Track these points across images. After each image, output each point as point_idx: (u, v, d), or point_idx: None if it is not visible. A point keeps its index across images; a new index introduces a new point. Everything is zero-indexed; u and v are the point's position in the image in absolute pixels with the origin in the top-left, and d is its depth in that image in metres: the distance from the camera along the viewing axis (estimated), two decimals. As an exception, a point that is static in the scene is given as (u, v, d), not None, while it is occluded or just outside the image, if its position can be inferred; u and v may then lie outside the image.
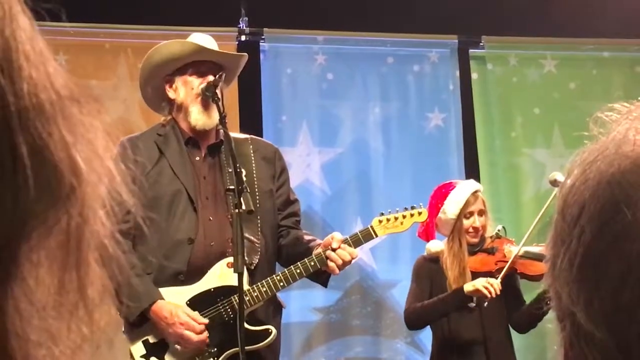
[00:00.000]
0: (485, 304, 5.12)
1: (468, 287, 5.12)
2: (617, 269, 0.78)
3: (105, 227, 0.67)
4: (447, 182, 5.62)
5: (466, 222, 5.35)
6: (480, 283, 5.09)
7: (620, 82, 7.79)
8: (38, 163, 0.61)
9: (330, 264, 4.34)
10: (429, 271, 5.42)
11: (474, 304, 5.14)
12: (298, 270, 4.36)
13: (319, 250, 4.40)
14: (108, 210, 0.67)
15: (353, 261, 4.46)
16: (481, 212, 5.37)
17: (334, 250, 4.35)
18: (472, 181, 5.63)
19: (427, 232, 5.51)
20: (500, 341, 5.31)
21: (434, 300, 5.28)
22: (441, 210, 5.34)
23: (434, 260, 5.40)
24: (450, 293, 5.23)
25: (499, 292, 5.07)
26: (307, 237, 4.56)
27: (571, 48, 7.93)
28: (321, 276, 4.54)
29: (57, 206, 0.62)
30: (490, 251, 5.33)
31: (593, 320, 0.80)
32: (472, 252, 5.35)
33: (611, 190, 0.81)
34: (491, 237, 5.37)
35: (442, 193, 5.43)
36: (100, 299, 0.67)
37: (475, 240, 5.35)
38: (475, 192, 5.41)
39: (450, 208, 5.33)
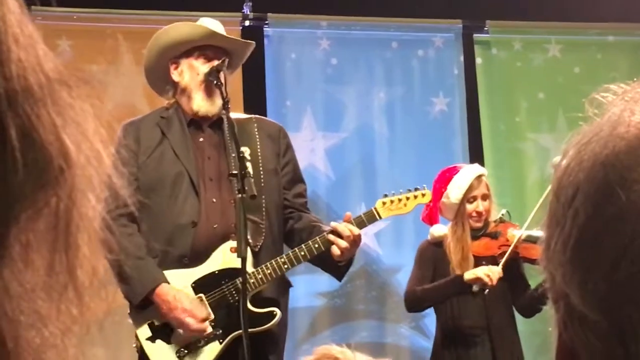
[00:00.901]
0: (486, 291, 5.11)
1: (468, 275, 5.12)
2: (611, 250, 0.78)
3: (95, 210, 0.67)
4: (451, 166, 5.62)
5: (469, 207, 5.35)
6: (481, 271, 5.10)
7: (625, 66, 7.77)
8: (27, 145, 0.61)
9: (333, 247, 4.33)
10: (432, 255, 5.43)
11: (477, 288, 5.13)
12: (302, 253, 4.35)
13: (324, 233, 4.39)
14: (98, 193, 0.67)
15: (358, 246, 4.44)
16: (485, 197, 5.37)
17: (338, 224, 4.34)
18: (476, 165, 5.63)
19: (431, 216, 5.51)
20: (504, 326, 5.32)
21: (434, 285, 5.29)
22: (444, 195, 5.34)
23: (438, 244, 5.40)
24: (450, 279, 5.23)
25: (496, 281, 5.07)
26: (324, 227, 4.51)
27: (576, 32, 7.92)
28: (337, 269, 4.53)
29: (46, 188, 0.62)
30: (494, 235, 5.32)
31: (586, 302, 0.80)
32: (475, 237, 5.35)
33: (605, 171, 0.80)
34: (495, 221, 5.37)
35: (445, 177, 5.43)
36: (90, 281, 0.67)
37: (479, 224, 5.35)
38: (479, 176, 5.41)
39: (454, 192, 5.33)
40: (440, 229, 5.46)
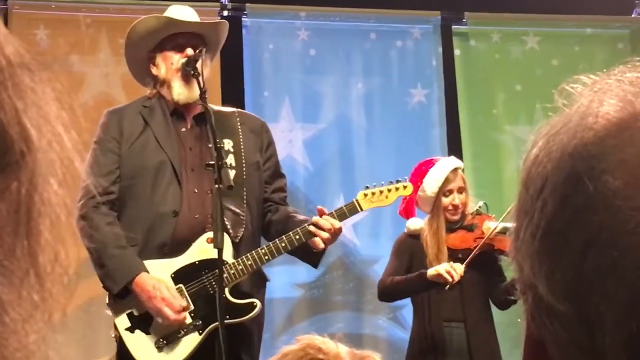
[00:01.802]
0: (447, 287, 5.09)
1: (430, 272, 5.13)
2: (579, 240, 0.78)
3: (57, 195, 0.66)
4: (428, 159, 5.62)
5: (445, 200, 5.36)
6: (442, 268, 5.10)
7: (602, 59, 7.80)
8: None
9: (315, 239, 4.34)
10: (409, 248, 5.44)
11: (447, 287, 5.12)
12: (283, 244, 4.35)
13: (304, 225, 4.40)
14: (60, 178, 0.66)
15: (338, 237, 4.46)
16: (461, 190, 5.38)
17: (319, 218, 4.35)
18: (452, 158, 5.62)
19: (407, 209, 5.53)
20: (480, 318, 5.33)
21: (403, 278, 5.31)
22: (420, 188, 5.34)
23: (416, 237, 5.41)
24: (415, 275, 5.25)
25: (459, 277, 5.06)
26: (299, 217, 4.54)
27: (554, 25, 7.94)
28: (313, 256, 4.53)
29: (7, 172, 0.62)
30: (470, 228, 5.33)
31: (554, 292, 0.80)
32: (452, 229, 5.36)
33: (573, 162, 0.80)
34: (472, 213, 5.37)
35: (421, 170, 5.44)
36: (51, 267, 0.66)
37: (455, 217, 5.36)
38: (455, 169, 5.42)
39: (430, 185, 5.34)
40: (416, 223, 5.47)
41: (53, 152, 0.65)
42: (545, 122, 0.89)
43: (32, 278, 0.65)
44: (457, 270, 5.07)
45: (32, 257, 0.64)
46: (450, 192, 5.36)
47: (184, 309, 4.30)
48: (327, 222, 4.35)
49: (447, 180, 5.35)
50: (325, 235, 4.35)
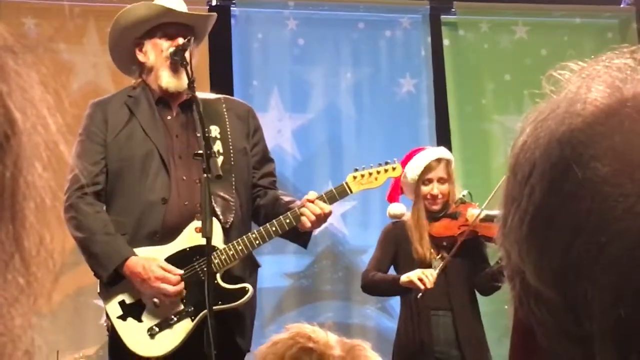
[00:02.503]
0: (419, 295, 5.09)
1: (403, 278, 5.14)
2: (566, 227, 0.78)
3: (42, 179, 0.66)
4: (420, 147, 5.63)
5: (425, 189, 5.36)
6: (414, 275, 5.10)
7: (591, 48, 7.80)
8: None
9: (303, 218, 4.35)
10: (395, 237, 5.45)
11: (419, 295, 5.12)
12: (274, 228, 4.36)
13: (295, 208, 4.41)
14: (45, 162, 0.66)
15: (327, 219, 4.47)
16: (442, 180, 5.37)
17: (308, 202, 4.36)
18: (439, 149, 5.62)
19: (391, 195, 5.57)
20: (466, 307, 5.34)
21: (381, 279, 5.34)
22: (403, 174, 5.34)
23: (401, 226, 5.42)
24: (391, 279, 5.29)
25: (431, 285, 5.05)
26: (286, 198, 4.56)
27: (542, 14, 7.95)
28: (301, 236, 4.54)
29: None
30: (454, 216, 5.33)
31: (541, 279, 0.80)
32: (435, 218, 5.37)
33: (561, 148, 0.80)
34: (455, 202, 5.36)
35: (408, 157, 5.44)
36: (37, 250, 0.66)
37: (435, 207, 5.37)
38: (439, 159, 5.41)
39: (410, 172, 5.35)
40: (397, 208, 5.50)
41: (38, 135, 0.65)
42: (533, 108, 0.89)
43: (17, 262, 0.64)
44: (429, 277, 5.07)
45: (17, 240, 0.64)
46: (430, 181, 5.36)
47: (180, 280, 4.29)
48: (317, 207, 4.36)
49: (427, 169, 5.35)
50: (313, 217, 4.36)
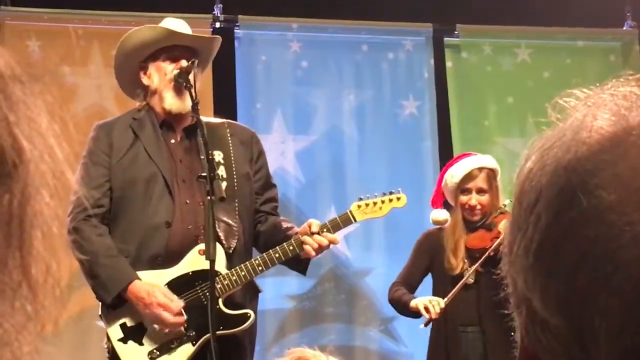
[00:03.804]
0: (422, 325, 5.06)
1: (412, 303, 5.10)
2: (572, 255, 0.78)
3: (49, 207, 0.66)
4: (467, 153, 5.55)
5: (463, 198, 5.25)
6: (421, 302, 5.06)
7: (594, 71, 7.81)
8: None
9: (306, 247, 4.34)
10: (429, 247, 5.38)
11: (424, 325, 5.08)
12: (277, 255, 4.36)
13: (298, 236, 4.40)
14: (52, 190, 0.67)
15: (332, 246, 4.47)
16: (481, 191, 5.23)
17: (312, 234, 4.35)
18: (485, 157, 5.44)
19: (434, 200, 5.47)
20: (496, 322, 5.04)
21: (399, 297, 5.27)
22: (444, 179, 5.29)
23: (437, 235, 5.35)
24: (404, 301, 5.20)
25: (437, 315, 5.00)
26: (285, 225, 4.56)
27: (545, 37, 7.95)
28: (300, 264, 4.53)
29: None
30: (489, 227, 5.19)
31: (547, 307, 0.80)
32: (473, 228, 5.25)
33: (567, 176, 0.81)
34: (495, 212, 5.21)
35: (451, 162, 5.37)
36: (44, 278, 0.66)
37: (474, 218, 5.24)
38: (481, 168, 5.28)
39: (450, 179, 5.28)
40: (439, 214, 5.36)
41: (44, 163, 0.66)
42: (539, 136, 0.89)
43: (24, 290, 0.65)
44: (435, 306, 5.01)
45: (24, 268, 0.65)
46: (469, 191, 5.25)
47: (182, 311, 4.29)
48: (324, 239, 4.35)
49: (467, 178, 5.24)
50: (317, 245, 4.35)
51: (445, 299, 5.05)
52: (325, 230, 4.40)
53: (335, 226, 4.47)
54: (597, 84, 0.89)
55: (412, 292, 5.37)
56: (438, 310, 5.01)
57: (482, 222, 5.25)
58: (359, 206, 4.59)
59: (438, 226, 5.40)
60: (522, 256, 0.83)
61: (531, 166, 0.85)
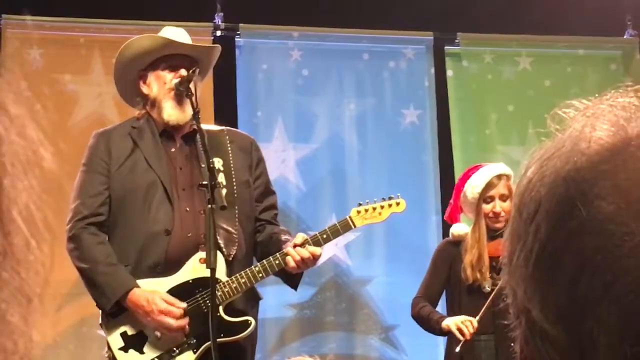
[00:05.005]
0: (457, 348, 5.00)
1: (444, 324, 5.08)
2: (572, 265, 0.78)
3: (23, 183, 0.68)
4: (478, 164, 5.54)
5: (486, 207, 5.25)
6: (453, 323, 5.04)
7: (595, 79, 7.82)
8: None
9: (288, 258, 4.33)
10: (448, 256, 5.37)
11: (458, 348, 5.03)
12: (277, 261, 4.35)
13: (283, 249, 4.40)
14: (25, 166, 0.68)
15: (319, 260, 4.46)
16: (503, 197, 5.22)
17: (295, 247, 4.34)
18: (499, 165, 5.46)
19: (451, 215, 5.48)
20: (511, 333, 5.07)
21: (427, 316, 5.24)
22: (462, 193, 5.29)
23: (456, 244, 5.34)
24: (435, 319, 5.18)
25: (470, 335, 4.97)
26: (281, 236, 4.54)
27: (546, 46, 7.96)
28: (292, 278, 4.52)
29: None
30: None
31: (547, 317, 0.81)
32: (493, 237, 5.23)
33: (567, 187, 0.81)
34: None
35: (466, 175, 5.37)
36: (24, 255, 0.68)
37: (498, 225, 5.21)
38: (500, 175, 5.29)
39: (470, 191, 5.27)
40: (460, 228, 5.38)
41: (17, 144, 0.67)
42: (538, 146, 0.89)
43: (9, 260, 0.66)
44: (469, 327, 5.00)
45: (6, 239, 0.66)
46: (492, 198, 5.24)
47: (184, 314, 4.29)
48: (306, 251, 4.34)
49: (488, 186, 5.23)
50: (298, 258, 4.32)
51: (477, 317, 5.02)
52: (307, 244, 4.38)
53: (334, 232, 4.47)
54: (598, 93, 0.89)
55: (434, 306, 5.37)
56: (472, 331, 5.00)
57: (502, 231, 5.22)
58: (358, 212, 4.59)
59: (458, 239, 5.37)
60: (521, 266, 0.83)
61: (531, 176, 0.86)
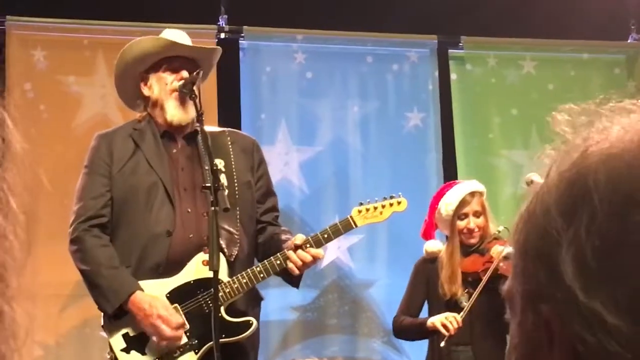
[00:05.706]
0: (442, 343, 5.08)
1: (429, 322, 5.16)
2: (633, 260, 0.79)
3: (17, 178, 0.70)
4: (451, 182, 5.62)
5: (460, 223, 5.33)
6: (438, 320, 5.11)
7: (599, 83, 7.81)
8: None
9: (289, 264, 4.34)
10: (425, 273, 5.44)
11: (444, 341, 5.10)
12: (278, 262, 4.36)
13: (284, 250, 4.40)
14: (19, 161, 0.71)
15: (318, 261, 4.47)
16: (477, 214, 5.33)
17: (297, 248, 4.34)
18: (472, 182, 5.56)
19: (426, 232, 5.54)
20: (487, 341, 5.21)
21: (410, 323, 5.34)
22: (437, 210, 5.34)
23: (433, 260, 5.40)
24: (419, 323, 5.28)
25: (454, 330, 5.05)
26: (281, 236, 4.55)
27: (550, 49, 7.95)
28: (293, 278, 4.53)
29: None
30: (482, 252, 5.29)
31: (612, 310, 0.80)
32: (467, 253, 5.33)
33: (630, 181, 0.83)
34: (489, 237, 5.31)
35: (440, 193, 5.44)
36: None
37: (472, 241, 5.32)
38: (473, 192, 5.37)
39: (444, 208, 5.33)
40: (434, 245, 5.46)
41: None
42: (546, 148, 0.89)
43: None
44: (453, 322, 5.06)
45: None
46: (466, 215, 5.32)
47: (181, 326, 4.29)
48: (307, 255, 4.34)
49: (462, 203, 5.31)
50: (300, 263, 4.34)
51: (461, 314, 5.11)
52: (307, 243, 4.38)
53: (336, 231, 4.47)
54: (602, 97, 0.89)
55: None
56: (456, 326, 5.06)
57: (477, 246, 5.34)
58: (360, 211, 4.59)
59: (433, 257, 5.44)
60: (572, 261, 0.83)
61: (568, 175, 0.87)
